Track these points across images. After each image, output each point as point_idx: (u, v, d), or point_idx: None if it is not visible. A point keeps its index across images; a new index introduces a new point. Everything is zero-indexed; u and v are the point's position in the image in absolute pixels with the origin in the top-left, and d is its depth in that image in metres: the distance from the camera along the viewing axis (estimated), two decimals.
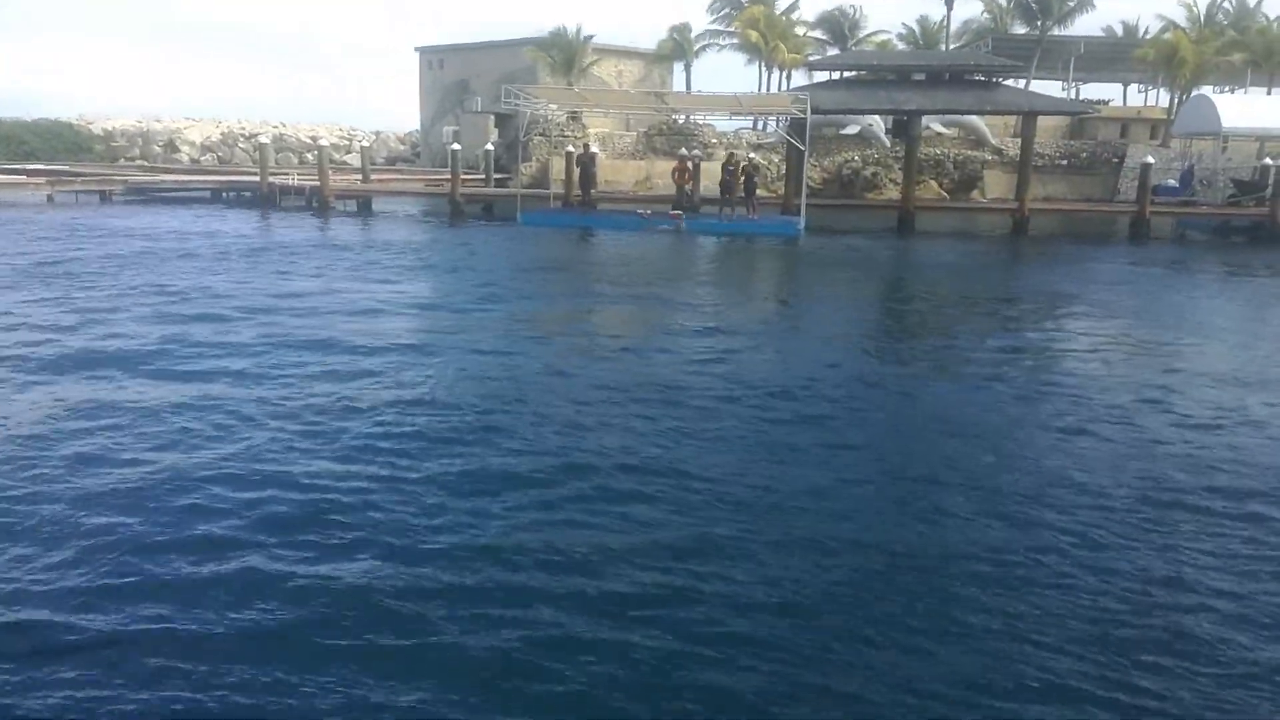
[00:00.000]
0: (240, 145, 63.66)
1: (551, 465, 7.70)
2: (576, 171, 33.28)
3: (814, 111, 30.13)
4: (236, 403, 9.21)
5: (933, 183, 44.24)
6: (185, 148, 61.93)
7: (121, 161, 56.50)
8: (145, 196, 37.79)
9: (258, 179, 36.97)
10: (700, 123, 46.90)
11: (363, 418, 8.85)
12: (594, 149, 36.62)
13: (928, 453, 8.35)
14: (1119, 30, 55.91)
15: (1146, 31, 53.97)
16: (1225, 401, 10.13)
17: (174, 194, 38.91)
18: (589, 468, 7.66)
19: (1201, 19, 48.78)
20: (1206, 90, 44.74)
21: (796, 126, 31.48)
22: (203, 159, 61.33)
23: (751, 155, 41.80)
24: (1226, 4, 50.85)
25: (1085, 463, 8.09)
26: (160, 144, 61.81)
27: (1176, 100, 45.97)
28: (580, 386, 10.24)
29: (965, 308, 17.35)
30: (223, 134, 65.26)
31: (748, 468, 7.76)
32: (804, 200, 30.93)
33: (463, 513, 6.74)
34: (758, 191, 32.82)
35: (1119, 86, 60.37)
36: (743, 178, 31.78)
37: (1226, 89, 48.18)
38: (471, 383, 10.28)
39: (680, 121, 46.46)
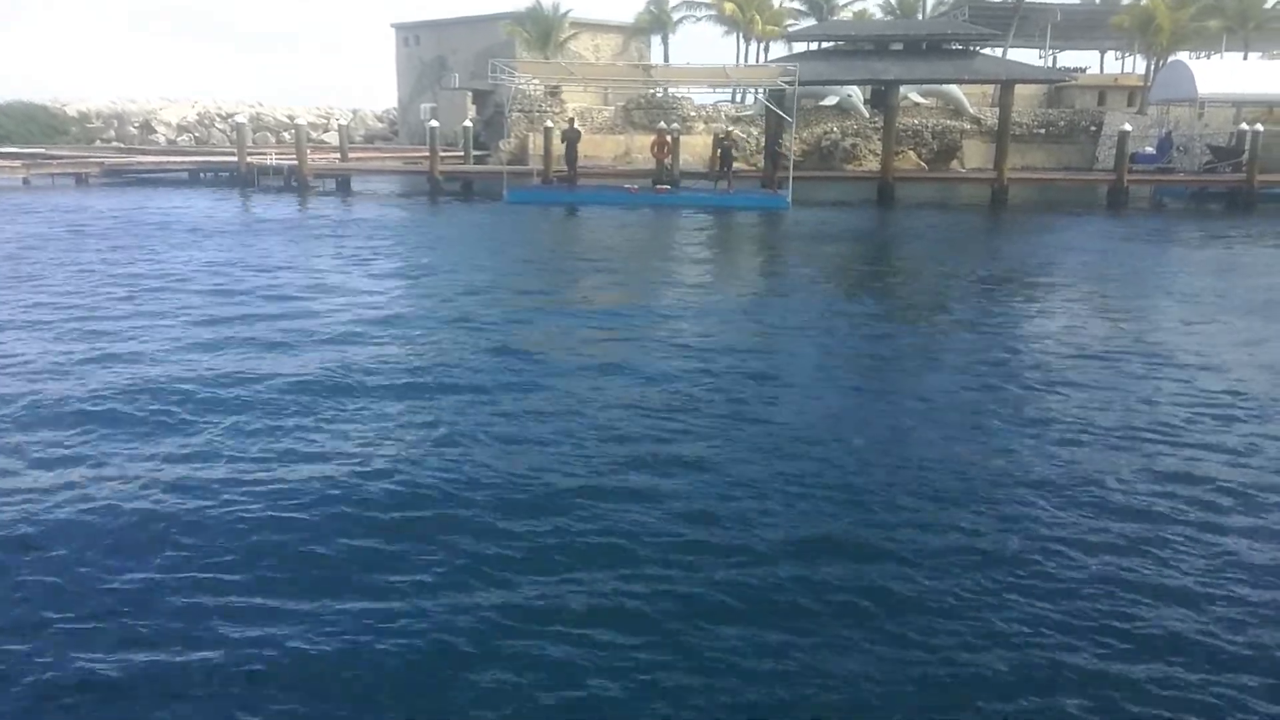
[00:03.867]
0: (217, 125, 63.18)
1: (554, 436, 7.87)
2: (562, 147, 33.01)
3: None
4: (214, 384, 9.30)
5: (911, 153, 44.50)
6: (161, 128, 61.37)
7: (97, 143, 55.91)
8: (122, 178, 37.49)
9: (235, 159, 36.77)
10: (679, 96, 46.86)
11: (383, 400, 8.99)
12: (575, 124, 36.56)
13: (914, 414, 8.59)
14: None
15: None
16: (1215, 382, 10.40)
17: (151, 175, 38.66)
18: (595, 440, 7.84)
19: None
20: (1183, 56, 44.98)
21: (776, 97, 31.53)
22: (179, 139, 60.80)
23: (730, 128, 41.82)
24: None
25: (1050, 421, 8.36)
26: (136, 125, 61.22)
27: (1153, 67, 46.22)
28: (597, 359, 10.49)
29: (951, 279, 17.53)
30: (199, 114, 64.68)
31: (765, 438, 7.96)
32: (790, 173, 31.08)
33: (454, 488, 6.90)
34: (734, 165, 32.98)
35: (1096, 54, 60.69)
36: (719, 151, 32.12)
37: (1202, 54, 48.45)
38: (482, 358, 10.41)
39: (659, 95, 46.40)
